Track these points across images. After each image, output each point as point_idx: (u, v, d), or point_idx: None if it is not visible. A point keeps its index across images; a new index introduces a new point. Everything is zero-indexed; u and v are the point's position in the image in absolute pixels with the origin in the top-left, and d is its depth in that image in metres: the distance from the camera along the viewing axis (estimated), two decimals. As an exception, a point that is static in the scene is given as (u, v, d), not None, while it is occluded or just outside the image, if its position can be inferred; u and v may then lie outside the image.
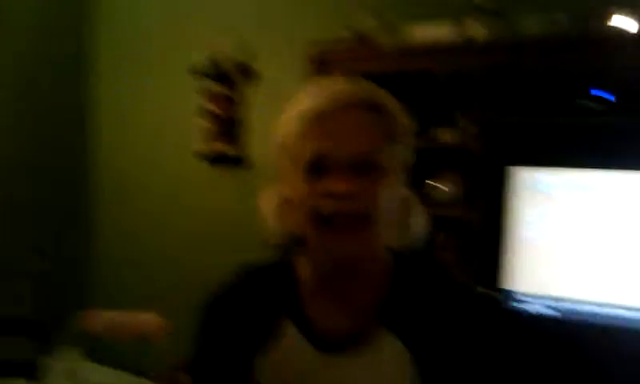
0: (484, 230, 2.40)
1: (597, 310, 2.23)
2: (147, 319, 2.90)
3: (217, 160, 3.41)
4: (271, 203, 1.07)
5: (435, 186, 2.56)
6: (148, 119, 3.72)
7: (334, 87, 1.01)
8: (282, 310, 1.05)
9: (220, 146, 3.39)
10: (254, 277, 1.12)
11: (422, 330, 1.01)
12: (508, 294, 2.37)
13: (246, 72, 3.31)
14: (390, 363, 0.99)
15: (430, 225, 1.08)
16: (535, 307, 2.33)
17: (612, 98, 2.21)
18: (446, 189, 2.52)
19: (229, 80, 3.33)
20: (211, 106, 3.36)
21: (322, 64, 2.61)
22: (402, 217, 1.04)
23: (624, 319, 2.19)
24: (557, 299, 2.30)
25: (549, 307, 2.31)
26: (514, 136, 2.43)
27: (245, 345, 1.05)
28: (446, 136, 2.49)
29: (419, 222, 1.07)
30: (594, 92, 2.20)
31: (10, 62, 3.46)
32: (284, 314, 1.05)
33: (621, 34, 2.09)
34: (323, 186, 0.95)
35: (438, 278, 1.09)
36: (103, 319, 2.96)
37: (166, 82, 3.62)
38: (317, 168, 0.96)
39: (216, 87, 3.34)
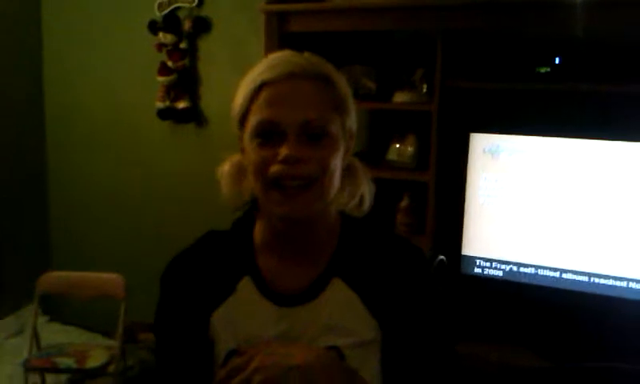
0: (441, 193, 2.40)
1: (549, 274, 2.27)
2: (108, 278, 2.93)
3: (172, 115, 3.32)
4: (227, 170, 1.13)
5: (394, 149, 2.52)
6: (103, 76, 3.58)
7: (282, 58, 1.06)
8: (239, 269, 1.11)
9: (175, 101, 3.28)
10: (214, 241, 1.17)
11: (371, 277, 1.09)
12: (467, 259, 2.38)
13: (202, 24, 3.20)
14: (339, 309, 1.06)
15: (374, 191, 1.15)
16: (488, 271, 2.36)
17: (559, 61, 2.20)
18: (404, 151, 2.49)
19: (184, 33, 3.22)
20: (167, 60, 3.25)
21: (279, 19, 2.53)
22: (348, 182, 1.12)
23: (578, 283, 2.23)
24: (508, 263, 2.33)
25: (500, 270, 2.34)
26: (474, 100, 2.41)
27: (202, 304, 1.10)
28: (405, 98, 2.44)
29: (365, 188, 1.14)
30: (554, 59, 2.18)
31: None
32: (241, 274, 1.11)
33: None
34: (273, 152, 1.01)
35: (381, 234, 1.16)
36: (64, 279, 2.98)
37: (121, 36, 3.48)
38: (267, 135, 1.02)
39: (171, 40, 3.22)
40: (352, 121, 1.10)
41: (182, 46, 3.24)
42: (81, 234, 3.79)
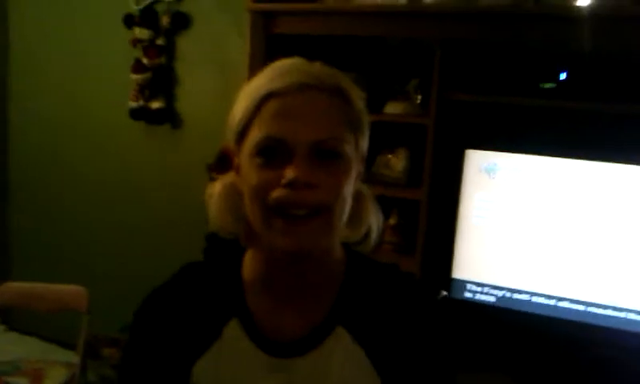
0: (432, 212, 2.26)
1: (544, 301, 2.14)
2: (69, 290, 2.73)
3: (146, 116, 3.12)
4: (219, 192, 0.98)
5: (383, 162, 2.38)
6: (73, 72, 3.37)
7: (294, 66, 0.91)
8: (226, 311, 0.96)
9: (149, 101, 3.10)
10: (195, 276, 1.01)
11: (376, 328, 0.95)
12: (457, 283, 2.25)
13: (181, 20, 3.02)
14: (342, 363, 0.93)
15: (382, 223, 1.01)
16: (479, 296, 2.22)
17: (565, 76, 2.08)
18: (395, 165, 2.35)
19: (161, 29, 3.04)
20: (142, 57, 3.06)
21: (265, 19, 2.37)
22: (356, 212, 0.97)
23: (574, 312, 2.11)
24: (501, 288, 2.20)
25: (492, 296, 2.21)
26: (471, 115, 2.28)
27: (183, 351, 0.95)
28: (398, 109, 2.30)
29: (373, 220, 0.99)
30: (560, 75, 2.06)
31: None
32: (228, 316, 0.96)
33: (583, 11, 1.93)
34: (278, 174, 0.86)
35: (391, 277, 1.02)
36: (24, 291, 2.78)
37: (96, 31, 3.28)
38: (271, 154, 0.87)
39: (147, 35, 3.03)
40: (366, 141, 0.95)
41: (159, 42, 3.06)
42: (43, 243, 3.56)
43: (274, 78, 0.88)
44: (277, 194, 0.86)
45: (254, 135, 0.88)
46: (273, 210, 0.87)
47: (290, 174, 0.85)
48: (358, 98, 0.93)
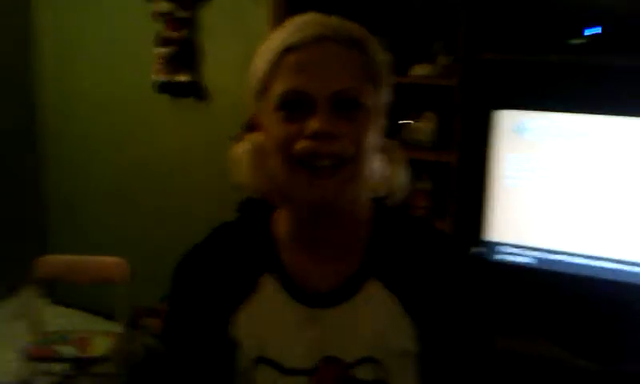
0: (463, 175, 2.24)
1: (580, 261, 2.12)
2: (110, 262, 2.80)
3: (171, 89, 3.14)
4: (248, 152, 0.99)
5: (411, 126, 2.36)
6: (97, 48, 3.39)
7: (310, 20, 0.91)
8: (261, 266, 0.98)
9: (175, 74, 3.11)
10: (229, 234, 1.04)
11: (410, 278, 0.96)
12: (491, 245, 2.24)
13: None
14: (377, 313, 0.95)
15: (410, 176, 1.01)
16: (513, 258, 2.21)
17: (599, 31, 2.02)
18: (423, 129, 2.33)
19: (182, 1, 3.02)
20: (164, 30, 3.06)
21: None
22: (382, 165, 0.97)
23: (614, 272, 2.08)
24: (536, 249, 2.18)
25: (527, 257, 2.20)
26: (499, 75, 2.24)
27: (221, 304, 0.97)
28: (424, 71, 2.27)
29: (400, 172, 1.00)
30: (587, 30, 2.00)
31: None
32: (263, 271, 0.98)
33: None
34: (300, 126, 0.87)
35: (421, 229, 1.03)
36: (63, 263, 2.86)
37: (117, 6, 3.28)
38: (293, 107, 0.88)
39: (168, 8, 3.02)
40: (386, 94, 0.95)
41: (180, 15, 3.04)
42: (78, 215, 3.64)
43: (291, 33, 0.89)
44: (301, 145, 0.87)
45: (276, 90, 0.89)
46: (297, 162, 0.88)
47: (313, 125, 0.86)
48: (377, 49, 0.93)
